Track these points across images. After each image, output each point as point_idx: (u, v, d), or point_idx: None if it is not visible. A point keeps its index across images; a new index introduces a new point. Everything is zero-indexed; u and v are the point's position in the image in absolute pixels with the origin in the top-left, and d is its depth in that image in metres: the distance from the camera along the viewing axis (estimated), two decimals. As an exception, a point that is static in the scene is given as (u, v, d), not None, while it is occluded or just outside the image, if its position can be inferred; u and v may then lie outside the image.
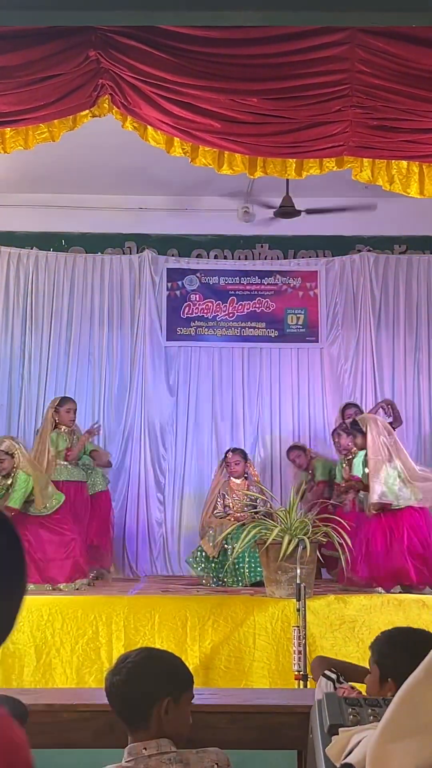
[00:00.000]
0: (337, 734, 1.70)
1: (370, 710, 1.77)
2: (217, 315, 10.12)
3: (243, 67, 5.54)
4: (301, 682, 5.58)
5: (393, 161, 6.39)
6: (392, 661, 2.94)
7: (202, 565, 8.19)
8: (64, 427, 8.43)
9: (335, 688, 3.23)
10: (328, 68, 5.48)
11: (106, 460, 9.07)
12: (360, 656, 6.50)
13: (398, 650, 2.95)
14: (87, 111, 6.01)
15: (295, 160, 6.40)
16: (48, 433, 8.34)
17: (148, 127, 6.09)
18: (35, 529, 7.61)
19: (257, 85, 5.64)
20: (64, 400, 8.63)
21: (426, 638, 3.03)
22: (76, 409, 8.67)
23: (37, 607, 6.73)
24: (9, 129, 6.10)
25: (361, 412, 8.88)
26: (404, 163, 6.40)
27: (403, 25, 5.13)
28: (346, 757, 1.62)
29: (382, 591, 7.21)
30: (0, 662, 6.58)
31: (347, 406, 9.13)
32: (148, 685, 2.80)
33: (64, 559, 7.61)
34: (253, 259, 10.27)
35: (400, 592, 7.21)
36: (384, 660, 2.98)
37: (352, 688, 3.17)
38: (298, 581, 6.18)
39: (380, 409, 8.74)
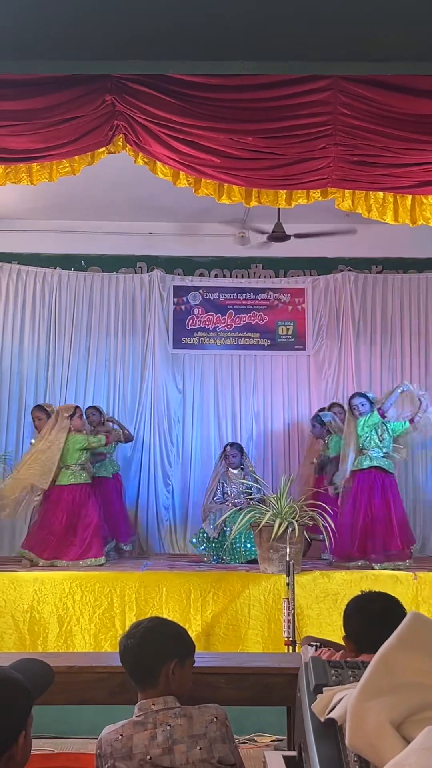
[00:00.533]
0: (322, 693, 1.69)
1: (350, 672, 1.76)
2: (217, 326, 10.12)
3: (240, 109, 5.53)
4: (290, 647, 5.59)
5: (371, 192, 6.39)
6: (351, 621, 2.98)
7: (204, 545, 8.20)
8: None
9: (316, 650, 3.25)
10: (314, 111, 5.47)
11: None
12: (342, 624, 6.50)
13: (355, 612, 3.00)
14: (104, 148, 6.00)
15: (285, 191, 6.39)
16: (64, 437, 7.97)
17: (157, 162, 6.09)
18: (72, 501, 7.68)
19: (252, 125, 5.63)
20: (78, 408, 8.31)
21: (381, 601, 3.06)
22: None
23: (59, 581, 6.74)
24: (35, 164, 6.10)
25: (344, 411, 8.94)
26: (381, 193, 6.40)
27: (379, 74, 5.12)
28: (329, 713, 1.62)
29: (364, 563, 7.27)
30: (28, 630, 6.58)
31: (332, 405, 9.14)
32: (159, 647, 2.80)
33: (89, 537, 7.62)
34: (249, 277, 10.27)
35: (384, 568, 7.22)
36: (346, 620, 3.02)
37: (329, 649, 3.19)
38: (287, 559, 6.19)
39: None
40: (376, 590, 3.34)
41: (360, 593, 3.28)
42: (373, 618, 2.90)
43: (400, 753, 1.36)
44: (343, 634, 3.06)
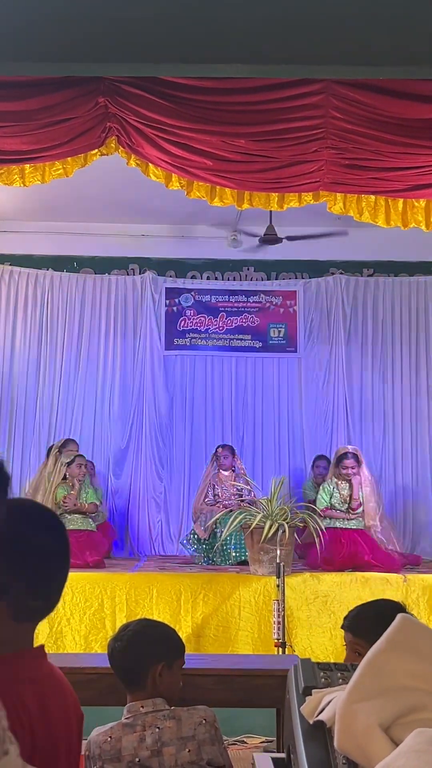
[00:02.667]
0: (311, 695, 1.68)
1: (339, 674, 1.75)
2: (209, 328, 10.11)
3: (232, 112, 5.53)
4: (280, 648, 5.58)
5: (363, 195, 6.40)
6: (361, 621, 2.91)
7: (195, 546, 8.18)
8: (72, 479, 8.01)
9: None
10: (306, 114, 5.48)
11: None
12: (332, 626, 6.51)
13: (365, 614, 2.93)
14: (96, 150, 6.00)
15: (277, 194, 6.40)
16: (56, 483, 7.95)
17: (150, 164, 6.09)
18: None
19: (244, 128, 5.64)
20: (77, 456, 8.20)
21: (389, 606, 3.01)
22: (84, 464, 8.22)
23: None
24: (28, 165, 6.09)
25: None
26: (372, 197, 6.41)
27: (371, 78, 5.13)
28: (318, 715, 1.61)
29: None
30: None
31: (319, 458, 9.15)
32: (146, 650, 2.79)
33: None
34: (241, 280, 10.27)
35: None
36: (353, 622, 2.94)
37: None
38: (278, 561, 6.18)
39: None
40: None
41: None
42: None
43: (388, 755, 1.35)
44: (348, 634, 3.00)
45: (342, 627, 3.02)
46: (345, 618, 3.01)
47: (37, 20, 4.23)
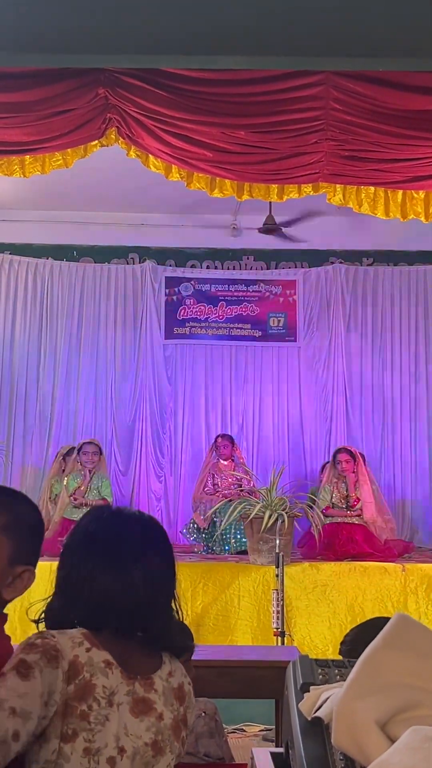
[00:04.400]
0: (309, 691, 1.71)
1: (337, 671, 1.78)
2: (209, 317, 10.11)
3: (232, 104, 5.53)
4: (279, 638, 5.61)
5: (362, 187, 6.40)
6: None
7: (194, 536, 8.21)
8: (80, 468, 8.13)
9: None
10: (306, 106, 5.48)
11: None
12: (330, 615, 6.55)
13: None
14: (96, 141, 6.00)
15: (276, 185, 6.40)
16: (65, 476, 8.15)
17: (150, 155, 6.09)
18: None
19: (244, 120, 5.64)
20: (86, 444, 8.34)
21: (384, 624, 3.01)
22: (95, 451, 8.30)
23: (49, 572, 6.73)
24: (28, 156, 6.09)
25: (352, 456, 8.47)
26: (372, 188, 6.41)
27: (371, 70, 5.12)
28: (316, 712, 1.63)
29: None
30: (19, 619, 6.57)
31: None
32: None
33: None
34: (240, 269, 10.26)
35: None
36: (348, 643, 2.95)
37: None
38: (277, 550, 6.20)
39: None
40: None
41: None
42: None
43: (385, 752, 1.38)
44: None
45: (340, 653, 3.01)
46: (342, 644, 3.01)
47: (37, 11, 4.22)
